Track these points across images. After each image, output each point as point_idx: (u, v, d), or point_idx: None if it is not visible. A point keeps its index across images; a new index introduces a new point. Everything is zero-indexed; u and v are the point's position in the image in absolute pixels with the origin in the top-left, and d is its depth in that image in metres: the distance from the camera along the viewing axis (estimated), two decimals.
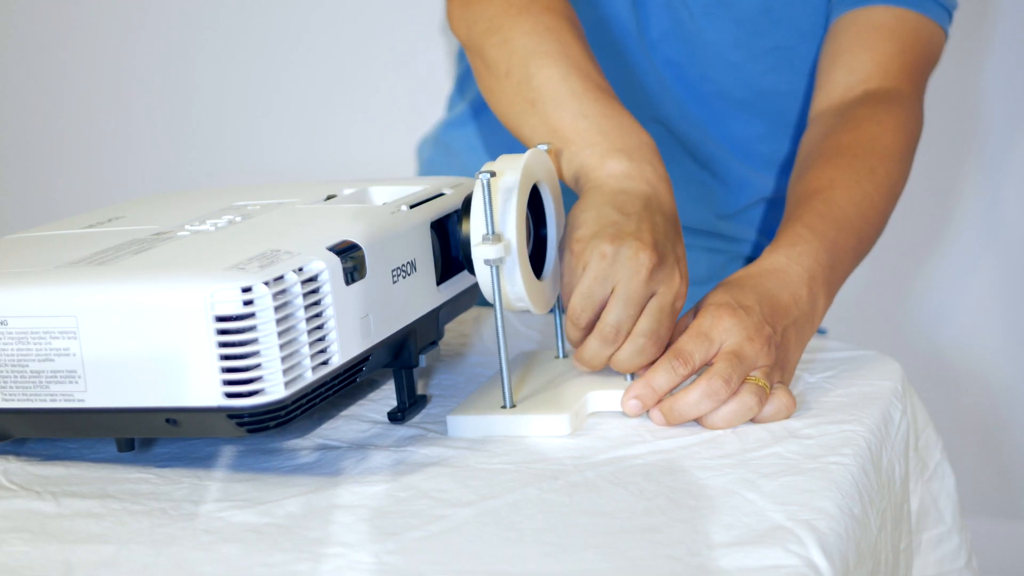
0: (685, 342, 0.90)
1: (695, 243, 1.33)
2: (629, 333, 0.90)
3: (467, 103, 1.43)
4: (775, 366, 0.92)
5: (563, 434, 0.88)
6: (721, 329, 0.90)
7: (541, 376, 0.97)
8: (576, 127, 1.00)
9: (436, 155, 1.46)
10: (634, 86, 1.29)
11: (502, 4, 1.09)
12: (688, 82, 1.29)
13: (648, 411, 0.90)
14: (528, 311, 0.91)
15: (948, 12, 1.24)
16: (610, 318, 0.89)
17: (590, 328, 0.91)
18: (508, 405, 0.90)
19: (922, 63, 1.24)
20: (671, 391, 0.90)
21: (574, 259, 0.91)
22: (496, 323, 0.89)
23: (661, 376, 0.89)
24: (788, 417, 0.90)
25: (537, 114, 1.03)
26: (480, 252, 0.86)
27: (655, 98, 1.29)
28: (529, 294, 0.89)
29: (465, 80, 1.45)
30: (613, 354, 0.91)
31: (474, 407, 0.91)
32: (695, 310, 0.94)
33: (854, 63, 1.21)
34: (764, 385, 0.89)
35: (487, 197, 0.85)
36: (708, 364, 0.90)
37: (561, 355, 1.01)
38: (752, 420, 0.90)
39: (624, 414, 0.91)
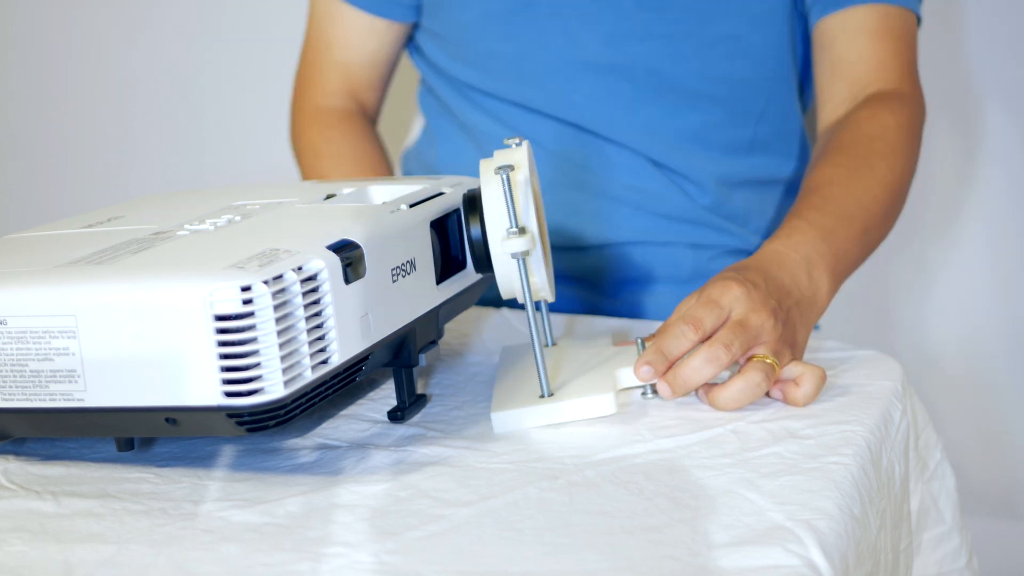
0: (695, 309, 0.92)
1: (680, 240, 1.33)
2: None
3: (424, 127, 1.46)
4: (782, 341, 0.93)
5: (610, 413, 0.90)
6: (730, 297, 0.92)
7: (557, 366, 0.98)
8: None
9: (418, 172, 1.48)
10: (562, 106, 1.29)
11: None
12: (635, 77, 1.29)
13: (656, 387, 0.91)
14: (546, 299, 0.93)
15: None
16: None
17: None
18: (546, 394, 0.91)
19: (913, 58, 1.28)
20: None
21: None
22: (528, 317, 0.89)
23: (671, 341, 0.91)
24: (822, 384, 0.91)
25: None
26: (508, 246, 0.86)
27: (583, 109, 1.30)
28: (548, 282, 0.91)
29: (424, 101, 1.46)
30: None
31: (512, 402, 0.91)
32: (702, 288, 0.95)
33: (853, 74, 1.25)
34: (772, 363, 0.90)
35: (508, 191, 0.86)
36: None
37: (550, 343, 1.03)
38: (788, 402, 0.91)
39: (642, 394, 0.93)
